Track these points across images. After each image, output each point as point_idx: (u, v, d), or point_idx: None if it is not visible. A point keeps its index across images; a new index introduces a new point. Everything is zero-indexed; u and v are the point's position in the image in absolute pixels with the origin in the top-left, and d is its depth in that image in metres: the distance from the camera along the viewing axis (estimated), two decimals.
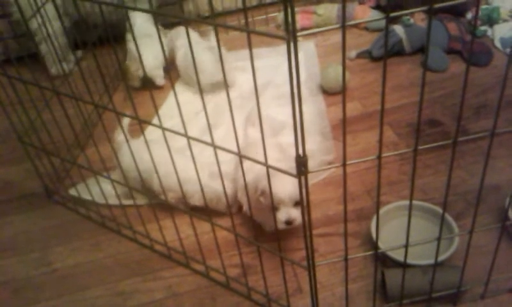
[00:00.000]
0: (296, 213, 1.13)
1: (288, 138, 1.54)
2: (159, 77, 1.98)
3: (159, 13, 0.78)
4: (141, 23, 2.01)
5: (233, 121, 0.85)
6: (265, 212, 1.16)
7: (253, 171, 1.12)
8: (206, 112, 0.90)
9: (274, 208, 1.06)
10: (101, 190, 1.34)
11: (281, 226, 1.13)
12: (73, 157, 1.53)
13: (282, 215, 1.13)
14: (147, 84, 1.96)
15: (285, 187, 1.08)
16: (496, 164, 1.37)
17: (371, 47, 1.94)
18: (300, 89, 0.68)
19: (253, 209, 1.10)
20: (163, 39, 2.03)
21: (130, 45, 1.94)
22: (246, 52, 2.13)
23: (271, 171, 0.94)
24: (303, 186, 0.80)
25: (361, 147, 1.53)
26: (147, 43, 1.83)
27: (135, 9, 0.85)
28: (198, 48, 1.80)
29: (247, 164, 0.95)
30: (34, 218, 1.51)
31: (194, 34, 1.96)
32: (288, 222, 1.13)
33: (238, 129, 0.89)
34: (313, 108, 1.74)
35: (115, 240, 1.39)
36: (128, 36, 2.01)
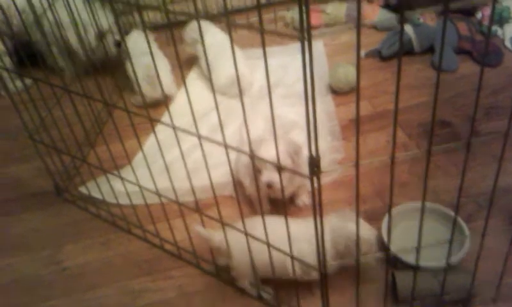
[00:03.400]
0: (276, 178, 1.18)
1: (298, 137, 1.55)
2: (173, 90, 1.92)
3: (171, 11, 0.77)
4: (135, 41, 1.93)
5: (246, 120, 0.86)
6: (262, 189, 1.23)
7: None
8: (218, 111, 0.91)
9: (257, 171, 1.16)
10: (111, 189, 1.35)
11: (263, 189, 1.21)
12: (84, 154, 1.53)
13: (264, 177, 1.21)
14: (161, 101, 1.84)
15: (269, 152, 1.08)
16: (507, 166, 1.36)
17: (381, 46, 1.93)
18: (314, 88, 0.68)
19: (251, 188, 1.26)
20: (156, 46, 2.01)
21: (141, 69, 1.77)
22: (255, 50, 2.14)
23: (258, 140, 1.08)
24: (316, 186, 0.80)
25: (371, 147, 1.53)
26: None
27: (146, 8, 0.85)
28: (221, 78, 1.81)
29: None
30: (45, 216, 1.51)
31: (223, 39, 1.92)
32: (269, 185, 1.20)
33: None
34: (322, 107, 1.74)
35: (125, 239, 1.39)
36: (128, 65, 1.85)
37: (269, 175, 1.21)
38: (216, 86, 1.79)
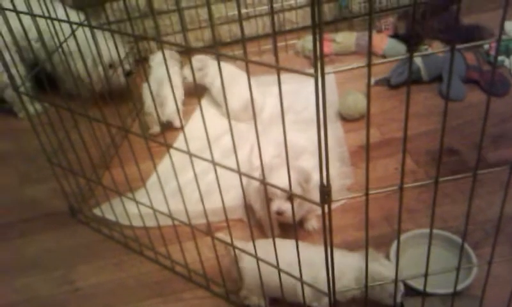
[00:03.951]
0: (286, 206, 1.25)
1: (308, 162, 1.58)
2: (177, 120, 1.93)
3: (191, 47, 0.82)
4: (157, 67, 2.01)
5: (259, 145, 0.89)
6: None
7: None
8: (232, 134, 0.94)
9: (268, 199, 1.19)
10: (125, 211, 1.38)
11: (273, 215, 1.26)
12: (99, 177, 1.57)
13: (274, 205, 1.26)
14: (166, 127, 1.91)
15: (279, 180, 1.09)
16: None
17: (389, 75, 1.96)
18: (326, 120, 0.71)
19: (261, 212, 1.32)
20: (178, 68, 2.04)
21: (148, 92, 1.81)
22: (266, 78, 2.16)
23: (268, 167, 1.13)
24: (326, 214, 0.82)
25: (380, 174, 1.56)
26: (166, 87, 1.80)
27: (167, 42, 0.89)
28: (235, 105, 1.85)
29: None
30: (59, 237, 1.55)
31: (231, 67, 1.95)
32: (279, 213, 1.26)
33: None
34: (332, 134, 1.77)
35: (137, 261, 1.42)
36: (145, 84, 1.92)
37: (280, 204, 1.26)
38: (229, 110, 1.83)
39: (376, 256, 1.09)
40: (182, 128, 1.04)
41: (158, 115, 1.77)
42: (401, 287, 1.09)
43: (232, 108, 1.84)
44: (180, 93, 1.98)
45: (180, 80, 2.02)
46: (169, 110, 1.88)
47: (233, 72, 1.89)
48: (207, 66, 1.99)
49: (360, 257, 1.10)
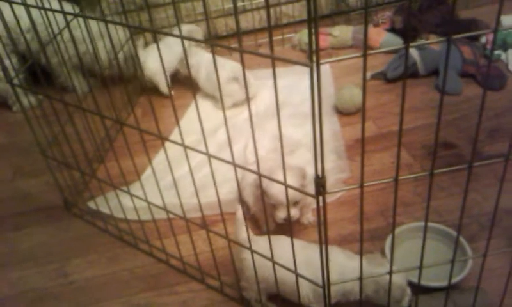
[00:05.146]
0: (294, 212, 1.25)
1: (303, 157, 1.57)
2: (161, 83, 2.02)
3: (189, 38, 0.81)
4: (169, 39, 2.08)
5: (254, 138, 0.89)
6: (268, 209, 1.26)
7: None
8: (228, 131, 0.94)
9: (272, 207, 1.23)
10: (119, 204, 1.37)
11: (279, 221, 1.27)
12: (93, 170, 1.56)
13: (281, 213, 1.26)
14: (149, 88, 2.05)
15: (281, 190, 1.08)
16: (510, 187, 1.37)
17: (386, 69, 1.96)
18: (321, 112, 0.70)
19: (257, 208, 1.32)
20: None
21: (139, 52, 2.03)
22: (263, 71, 2.15)
23: (267, 171, 1.09)
24: (321, 206, 0.82)
25: (376, 167, 1.55)
26: (154, 51, 1.89)
27: (162, 33, 0.88)
28: (222, 75, 1.85)
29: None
30: (53, 230, 1.54)
31: (207, 53, 2.00)
32: (287, 220, 1.24)
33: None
34: (328, 128, 1.76)
35: (131, 254, 1.41)
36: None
37: (286, 212, 1.23)
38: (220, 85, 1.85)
39: (381, 261, 1.07)
40: (177, 120, 1.03)
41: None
42: (408, 291, 1.07)
43: (221, 80, 1.85)
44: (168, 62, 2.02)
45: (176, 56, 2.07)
46: (148, 72, 1.98)
47: (217, 59, 1.89)
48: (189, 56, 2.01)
49: (366, 261, 1.05)
